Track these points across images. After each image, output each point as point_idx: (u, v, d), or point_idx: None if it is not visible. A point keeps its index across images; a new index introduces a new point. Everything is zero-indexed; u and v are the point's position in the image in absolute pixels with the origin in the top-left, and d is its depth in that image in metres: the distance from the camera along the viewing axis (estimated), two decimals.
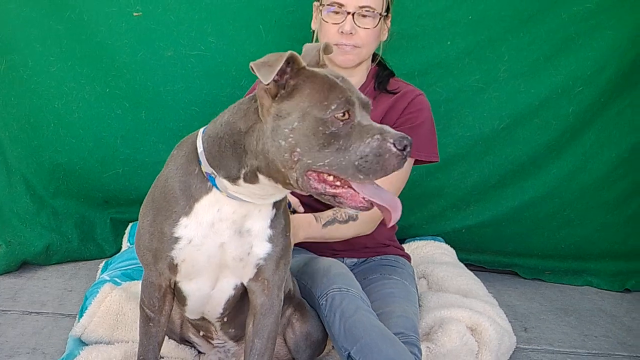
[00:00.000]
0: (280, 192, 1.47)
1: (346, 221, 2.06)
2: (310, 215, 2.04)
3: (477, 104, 2.81)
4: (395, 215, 1.36)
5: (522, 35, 2.74)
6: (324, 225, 2.04)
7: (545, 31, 2.73)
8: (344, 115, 1.31)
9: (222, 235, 1.48)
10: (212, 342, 1.88)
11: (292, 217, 1.93)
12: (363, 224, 2.10)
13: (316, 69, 1.40)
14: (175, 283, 1.59)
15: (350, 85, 1.38)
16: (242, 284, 1.59)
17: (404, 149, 1.29)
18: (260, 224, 1.51)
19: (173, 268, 1.52)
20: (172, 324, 1.88)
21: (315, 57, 1.49)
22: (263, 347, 1.61)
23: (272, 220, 1.52)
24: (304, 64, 1.36)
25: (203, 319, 1.74)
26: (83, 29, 2.74)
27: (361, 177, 1.30)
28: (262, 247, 1.52)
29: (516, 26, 2.73)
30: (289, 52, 1.31)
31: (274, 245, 1.53)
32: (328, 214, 2.06)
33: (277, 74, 1.30)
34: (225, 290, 1.60)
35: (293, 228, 1.88)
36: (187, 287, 1.59)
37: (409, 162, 2.16)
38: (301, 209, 2.06)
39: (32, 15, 2.72)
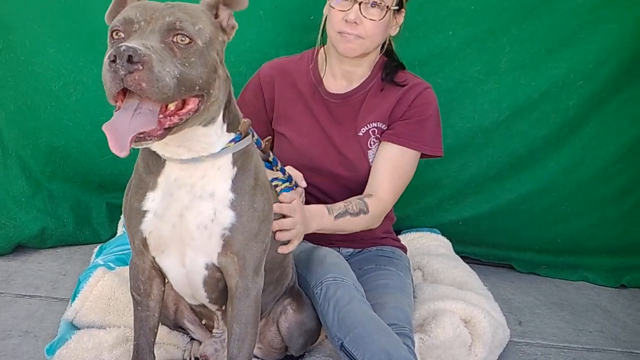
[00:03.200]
0: (198, 134, 1.42)
1: (357, 214, 2.05)
2: (322, 206, 2.02)
3: (477, 96, 2.79)
4: (111, 143, 1.20)
5: (524, 27, 2.72)
6: (336, 217, 2.02)
7: (548, 23, 2.71)
8: (112, 33, 1.31)
9: (182, 202, 1.47)
10: (212, 331, 1.88)
11: (305, 207, 1.91)
12: (372, 218, 2.09)
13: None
14: (155, 260, 1.59)
15: (149, 8, 1.30)
16: (213, 264, 1.55)
17: (114, 60, 1.17)
18: (222, 186, 1.49)
19: (144, 243, 1.53)
20: (165, 309, 1.87)
21: None
22: (242, 332, 1.57)
23: (233, 182, 1.49)
24: None
25: (204, 306, 1.73)
26: (81, 12, 2.70)
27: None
28: (225, 215, 1.48)
29: (518, 17, 2.70)
30: None
31: (238, 214, 1.49)
32: (339, 205, 2.05)
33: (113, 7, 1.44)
34: (197, 269, 1.56)
35: (305, 219, 1.87)
36: (163, 263, 1.58)
37: (414, 155, 2.16)
38: (304, 183, 2.01)
39: None
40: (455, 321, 2.03)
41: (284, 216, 1.77)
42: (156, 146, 1.43)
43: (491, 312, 2.19)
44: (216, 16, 1.43)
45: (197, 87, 1.30)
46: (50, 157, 2.89)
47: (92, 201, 2.99)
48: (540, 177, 2.91)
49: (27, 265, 2.63)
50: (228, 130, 1.49)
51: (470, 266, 2.64)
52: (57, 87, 2.81)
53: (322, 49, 2.26)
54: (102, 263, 2.28)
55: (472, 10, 2.69)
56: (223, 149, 1.47)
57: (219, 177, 1.48)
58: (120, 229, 2.80)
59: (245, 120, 1.56)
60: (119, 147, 1.20)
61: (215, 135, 1.45)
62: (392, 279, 2.11)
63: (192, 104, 1.32)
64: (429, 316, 2.10)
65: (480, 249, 3.06)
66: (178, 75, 1.24)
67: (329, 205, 2.04)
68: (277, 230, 1.73)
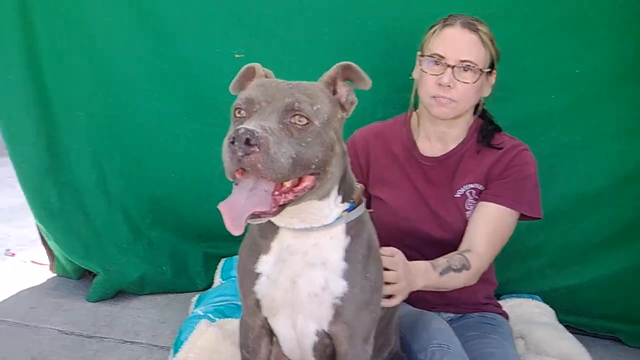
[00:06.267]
0: (313, 207, 1.43)
1: (460, 269, 1.99)
2: (426, 262, 1.97)
3: (582, 161, 2.69)
4: (227, 222, 1.24)
5: (632, 92, 2.63)
6: (441, 273, 1.96)
7: None
8: (235, 111, 1.36)
9: (294, 269, 1.48)
10: None
11: (409, 264, 1.88)
12: (472, 275, 2.03)
13: (266, 78, 1.46)
14: (267, 321, 1.60)
15: (271, 88, 1.35)
16: (324, 331, 1.54)
17: (233, 141, 1.20)
18: (335, 255, 1.48)
19: (257, 304, 1.55)
20: None
21: (330, 72, 1.47)
22: None
23: (346, 251, 1.49)
24: (262, 73, 1.48)
25: None
26: (187, 68, 2.84)
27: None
28: (337, 284, 1.48)
29: (626, 82, 2.62)
30: (248, 64, 1.50)
31: (351, 284, 1.48)
32: (442, 261, 2.00)
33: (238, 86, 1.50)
34: (307, 334, 1.56)
35: (409, 275, 1.83)
36: (274, 325, 1.59)
37: (512, 214, 2.10)
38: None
39: (140, 53, 2.85)
40: None
41: (385, 269, 1.73)
42: (280, 217, 1.43)
43: None
44: (334, 92, 1.46)
45: (313, 166, 1.32)
46: (151, 206, 3.00)
47: (189, 250, 3.07)
48: None
49: (128, 311, 2.71)
50: (342, 201, 1.50)
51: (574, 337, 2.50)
52: (162, 140, 2.93)
53: (414, 112, 2.28)
54: (202, 314, 2.32)
55: (577, 74, 2.63)
56: (337, 219, 1.48)
57: (332, 246, 1.49)
58: (217, 279, 2.84)
59: (359, 185, 1.57)
60: (233, 227, 1.24)
61: (328, 209, 1.46)
62: (497, 348, 2.03)
63: (308, 182, 1.34)
64: None
65: (584, 319, 2.89)
66: (294, 156, 1.26)
67: (432, 262, 1.99)
68: None
